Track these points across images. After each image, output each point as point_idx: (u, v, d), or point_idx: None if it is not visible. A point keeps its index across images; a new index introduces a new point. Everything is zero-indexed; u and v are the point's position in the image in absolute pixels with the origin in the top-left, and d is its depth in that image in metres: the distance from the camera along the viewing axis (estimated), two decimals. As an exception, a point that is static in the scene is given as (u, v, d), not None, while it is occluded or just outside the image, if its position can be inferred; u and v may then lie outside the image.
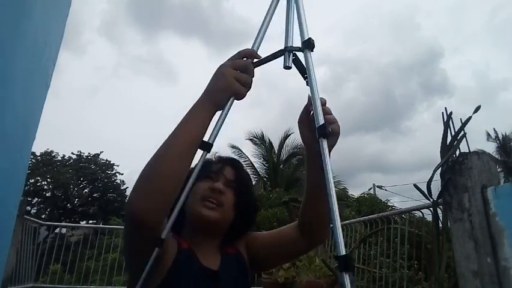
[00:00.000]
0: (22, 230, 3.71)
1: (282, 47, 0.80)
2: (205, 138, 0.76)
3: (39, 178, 18.71)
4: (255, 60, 0.82)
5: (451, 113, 1.38)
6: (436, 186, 1.32)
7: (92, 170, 20.22)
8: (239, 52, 0.81)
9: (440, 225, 1.40)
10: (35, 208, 18.69)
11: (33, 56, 0.44)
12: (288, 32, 0.81)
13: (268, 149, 14.22)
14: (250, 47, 0.82)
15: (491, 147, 19.40)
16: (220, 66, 0.80)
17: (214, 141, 0.76)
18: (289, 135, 14.14)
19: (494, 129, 19.66)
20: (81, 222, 18.36)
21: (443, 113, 1.39)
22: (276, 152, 14.30)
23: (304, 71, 0.77)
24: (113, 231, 6.98)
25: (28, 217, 4.12)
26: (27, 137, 0.45)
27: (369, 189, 16.51)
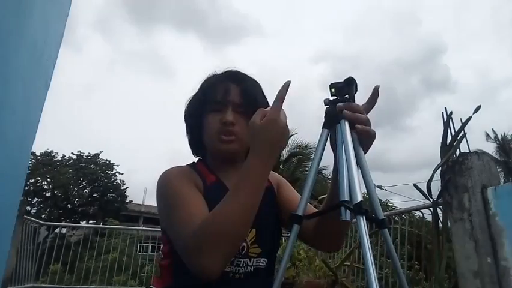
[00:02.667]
0: (22, 230, 3.70)
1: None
2: (294, 211, 0.77)
3: (39, 178, 18.70)
4: (312, 212, 0.84)
5: (451, 112, 1.38)
6: (436, 186, 1.32)
7: (92, 170, 20.21)
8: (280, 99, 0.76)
9: (440, 225, 1.40)
10: (35, 208, 18.69)
11: (33, 56, 0.44)
12: (343, 186, 0.75)
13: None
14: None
15: (490, 148, 19.40)
16: (277, 119, 0.74)
17: (303, 213, 0.77)
18: (291, 136, 14.15)
19: (492, 129, 19.65)
20: (81, 222, 18.35)
21: (443, 112, 1.39)
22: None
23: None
24: (113, 231, 6.98)
25: (28, 217, 4.11)
26: (27, 137, 0.45)
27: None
